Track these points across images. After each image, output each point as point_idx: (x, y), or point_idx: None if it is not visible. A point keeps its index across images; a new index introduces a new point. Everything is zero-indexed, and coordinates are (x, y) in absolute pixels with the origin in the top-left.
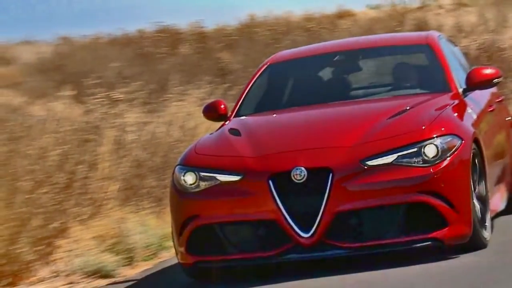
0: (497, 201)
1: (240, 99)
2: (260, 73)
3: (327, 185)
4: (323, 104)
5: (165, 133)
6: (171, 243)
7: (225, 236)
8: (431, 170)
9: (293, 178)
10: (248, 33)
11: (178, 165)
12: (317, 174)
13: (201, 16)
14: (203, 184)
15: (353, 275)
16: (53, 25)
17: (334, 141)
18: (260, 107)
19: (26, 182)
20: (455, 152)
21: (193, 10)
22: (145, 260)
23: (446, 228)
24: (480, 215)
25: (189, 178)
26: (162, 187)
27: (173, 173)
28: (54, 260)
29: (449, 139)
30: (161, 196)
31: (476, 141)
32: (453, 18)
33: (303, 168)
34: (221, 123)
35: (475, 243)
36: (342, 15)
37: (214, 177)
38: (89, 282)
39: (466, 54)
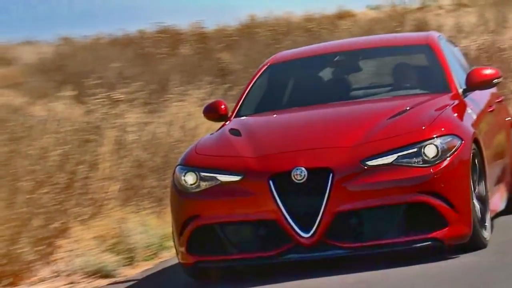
0: (497, 201)
1: (240, 99)
2: (261, 74)
3: (327, 185)
4: (323, 104)
5: (165, 133)
6: (171, 243)
7: (225, 236)
8: (431, 170)
9: (293, 178)
10: (249, 33)
11: (178, 165)
12: (317, 174)
13: (202, 16)
14: (203, 184)
15: (353, 275)
16: (54, 26)
17: (334, 141)
18: (261, 108)
19: (27, 182)
20: (455, 152)
21: (194, 10)
22: (145, 260)
23: (446, 228)
24: (480, 215)
25: (190, 178)
26: (162, 187)
27: (174, 173)
28: (55, 260)
29: (449, 139)
30: (161, 196)
31: (476, 141)
32: (453, 18)
33: (303, 168)
34: (222, 123)
35: (475, 243)
36: (342, 15)
37: (215, 177)
38: (89, 282)
39: (466, 55)
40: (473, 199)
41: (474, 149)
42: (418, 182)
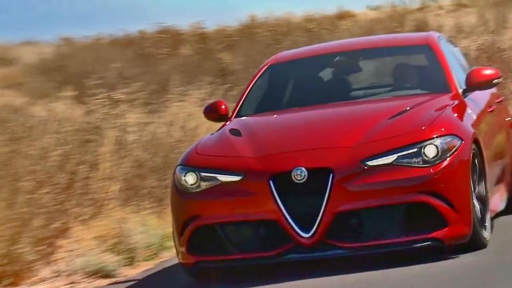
0: (497, 201)
1: (240, 99)
2: (261, 74)
3: (327, 185)
4: (323, 104)
5: (166, 134)
6: (172, 243)
7: (225, 236)
8: (431, 170)
9: (293, 178)
10: (249, 34)
11: (179, 165)
12: (318, 174)
13: (202, 17)
14: (204, 184)
15: (353, 275)
16: (54, 26)
17: (335, 141)
18: (261, 108)
19: (28, 182)
20: (455, 153)
21: (194, 11)
22: (146, 260)
23: (446, 228)
24: (480, 215)
25: (190, 178)
26: (163, 187)
27: (174, 173)
28: (56, 260)
29: (449, 140)
30: (162, 196)
31: (476, 141)
32: (453, 19)
33: (303, 168)
34: (222, 123)
35: (475, 243)
36: (343, 16)
37: (215, 177)
38: (90, 282)
39: (466, 55)
40: (473, 199)
41: (474, 149)
42: (418, 182)
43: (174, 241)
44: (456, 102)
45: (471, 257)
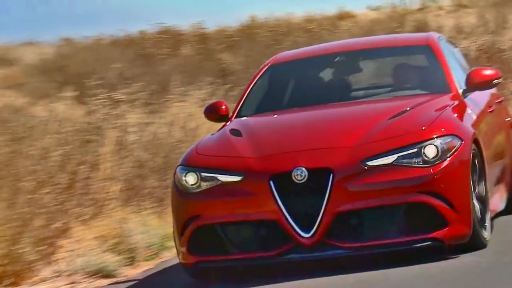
0: (497, 201)
1: (241, 100)
2: (261, 74)
3: (327, 186)
4: (323, 104)
5: (166, 134)
6: (172, 243)
7: (226, 236)
8: (431, 170)
9: (294, 178)
10: (249, 34)
11: (179, 165)
12: (318, 175)
13: (203, 17)
14: (204, 185)
15: (353, 275)
16: (55, 26)
17: (335, 141)
18: (261, 108)
19: (28, 183)
20: (455, 153)
21: (195, 11)
22: (146, 260)
23: (446, 228)
24: (480, 215)
25: (191, 179)
26: (163, 188)
27: (175, 173)
28: (56, 260)
29: (449, 140)
30: (162, 197)
31: (476, 141)
32: (453, 19)
33: (303, 169)
34: (223, 123)
35: (475, 243)
36: (343, 16)
37: (215, 178)
38: (90, 282)
39: (466, 55)
40: (473, 199)
41: (474, 149)
42: (418, 182)
43: (175, 241)
44: (456, 102)
45: (471, 257)
